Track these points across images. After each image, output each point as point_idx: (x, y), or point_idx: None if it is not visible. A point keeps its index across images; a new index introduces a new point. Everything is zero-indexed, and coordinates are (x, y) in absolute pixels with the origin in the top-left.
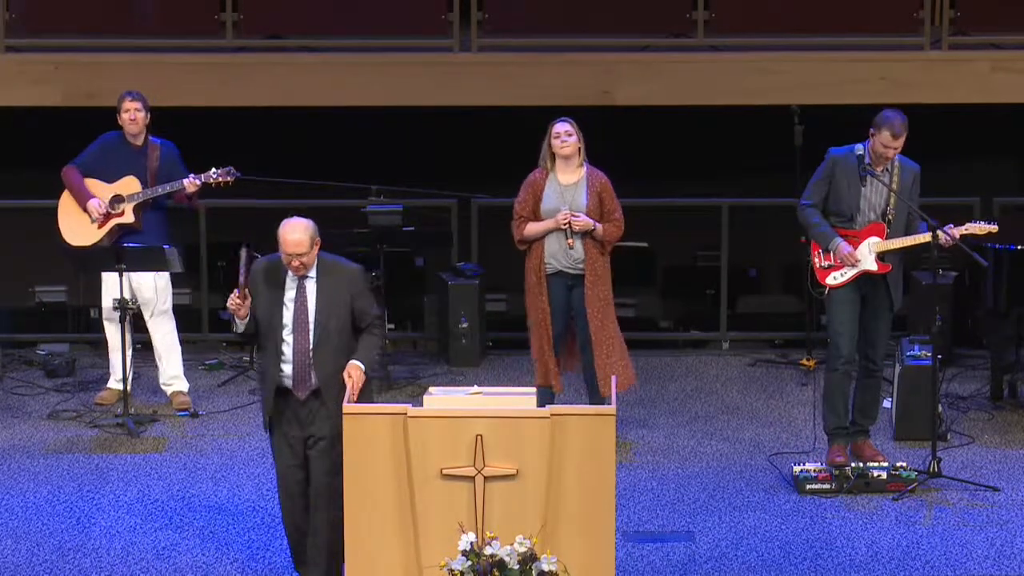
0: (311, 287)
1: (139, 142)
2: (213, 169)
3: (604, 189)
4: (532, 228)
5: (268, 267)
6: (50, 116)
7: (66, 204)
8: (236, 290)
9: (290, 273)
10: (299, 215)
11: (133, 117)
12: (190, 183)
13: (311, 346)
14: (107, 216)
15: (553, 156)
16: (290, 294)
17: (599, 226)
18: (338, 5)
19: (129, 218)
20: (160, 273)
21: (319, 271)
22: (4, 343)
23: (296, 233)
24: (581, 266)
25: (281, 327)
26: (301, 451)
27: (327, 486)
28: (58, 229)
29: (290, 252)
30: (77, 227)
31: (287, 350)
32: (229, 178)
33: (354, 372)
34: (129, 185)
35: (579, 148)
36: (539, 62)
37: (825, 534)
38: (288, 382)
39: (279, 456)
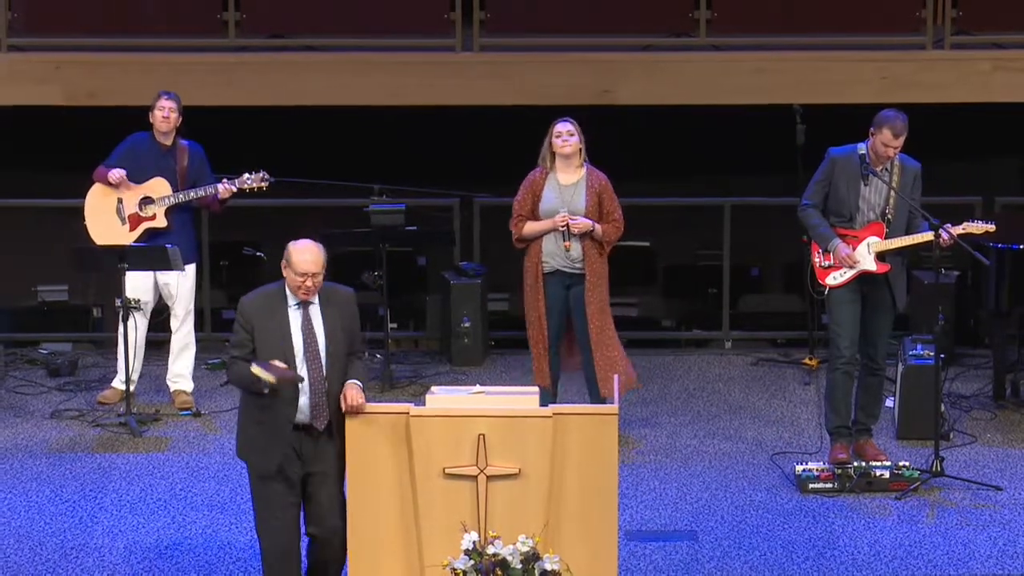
0: (315, 313)
1: (168, 142)
2: (246, 174)
3: (604, 190)
4: (530, 227)
5: (262, 301)
6: (52, 115)
7: (93, 205)
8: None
9: (291, 303)
10: (301, 214)
11: (166, 115)
12: (224, 188)
13: (325, 372)
14: (137, 218)
15: (553, 155)
16: (296, 323)
17: (598, 227)
18: (340, 5)
19: (161, 222)
20: (186, 272)
21: (320, 297)
22: (6, 342)
23: (311, 252)
24: (579, 266)
25: (293, 358)
26: (299, 488)
27: (336, 518)
28: (85, 230)
29: (305, 271)
30: (106, 229)
31: (304, 382)
32: (264, 184)
33: (354, 390)
34: (159, 187)
35: (580, 148)
36: (541, 61)
37: (827, 533)
38: (304, 416)
39: (272, 495)
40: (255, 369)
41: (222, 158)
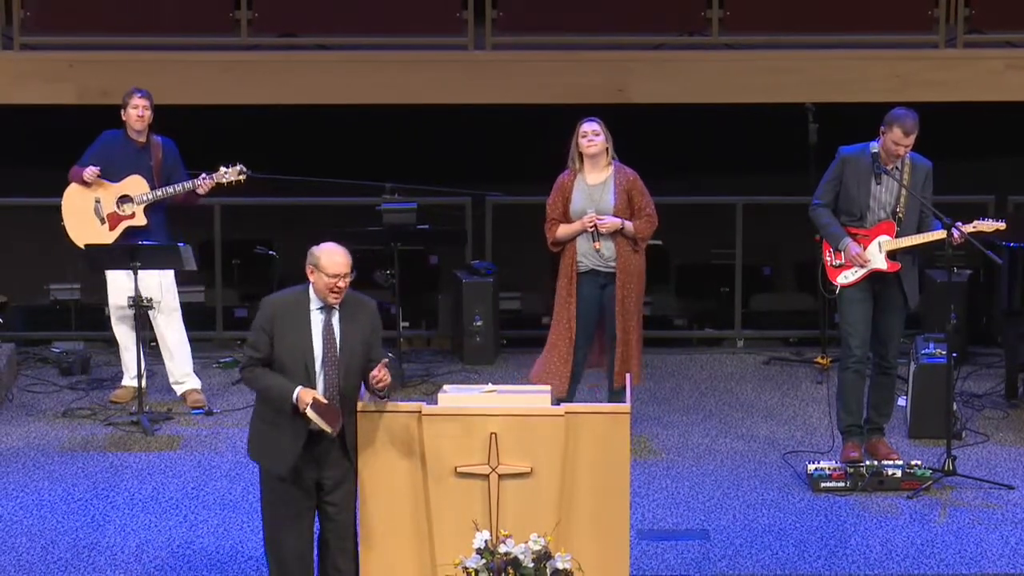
0: (338, 320)
1: (142, 139)
2: (223, 168)
3: (633, 187)
4: (563, 230)
5: (286, 304)
6: (64, 114)
7: (70, 206)
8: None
9: (314, 307)
10: (313, 212)
11: (141, 114)
12: (202, 183)
13: (340, 381)
14: (117, 217)
15: (581, 156)
16: (317, 329)
17: (628, 224)
18: (352, 3)
19: (140, 220)
20: (164, 271)
21: (343, 305)
22: (19, 341)
23: (340, 254)
24: (613, 265)
25: (312, 364)
26: (315, 493)
27: (351, 523)
28: (64, 231)
29: (338, 273)
30: (85, 228)
31: (319, 387)
32: (241, 177)
33: (384, 369)
34: (136, 185)
35: (606, 148)
36: (553, 60)
37: (839, 532)
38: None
39: (287, 499)
40: (312, 416)
41: (233, 157)
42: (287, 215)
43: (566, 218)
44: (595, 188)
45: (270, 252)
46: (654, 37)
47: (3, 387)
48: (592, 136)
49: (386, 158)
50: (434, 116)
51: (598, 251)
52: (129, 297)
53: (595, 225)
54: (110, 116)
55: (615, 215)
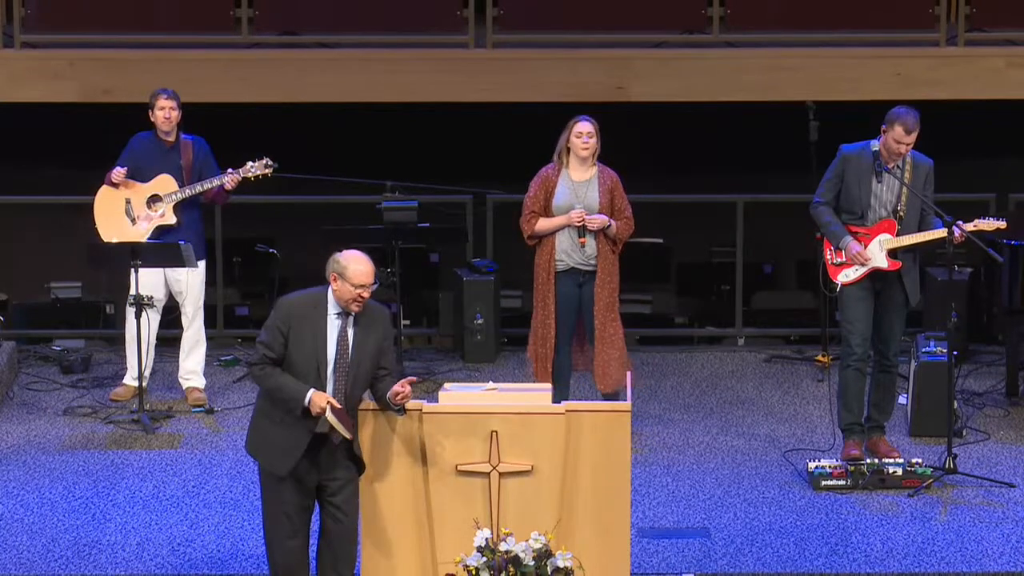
0: (353, 326)
1: (171, 139)
2: (249, 163)
3: (615, 187)
4: (544, 224)
5: (305, 306)
6: (66, 112)
7: (102, 208)
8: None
9: (331, 311)
10: (314, 211)
11: (168, 115)
12: (230, 179)
13: (347, 387)
14: (147, 217)
15: (568, 151)
16: (333, 334)
17: (614, 223)
18: (352, 2)
19: (171, 219)
20: (194, 269)
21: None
22: (20, 339)
23: (367, 263)
24: (594, 262)
25: (324, 368)
26: (314, 493)
27: (354, 524)
28: (96, 233)
29: (363, 283)
30: (117, 229)
31: (327, 391)
32: (267, 170)
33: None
34: (165, 184)
35: (596, 149)
36: (554, 58)
37: (840, 530)
38: (324, 427)
39: (285, 499)
40: (330, 419)
41: (235, 155)
42: (288, 213)
43: (547, 212)
44: (580, 184)
45: (271, 250)
46: (655, 35)
47: (4, 385)
48: (587, 137)
49: (387, 156)
50: (435, 114)
51: (583, 247)
52: (131, 295)
53: (583, 221)
54: (111, 114)
55: (599, 213)
